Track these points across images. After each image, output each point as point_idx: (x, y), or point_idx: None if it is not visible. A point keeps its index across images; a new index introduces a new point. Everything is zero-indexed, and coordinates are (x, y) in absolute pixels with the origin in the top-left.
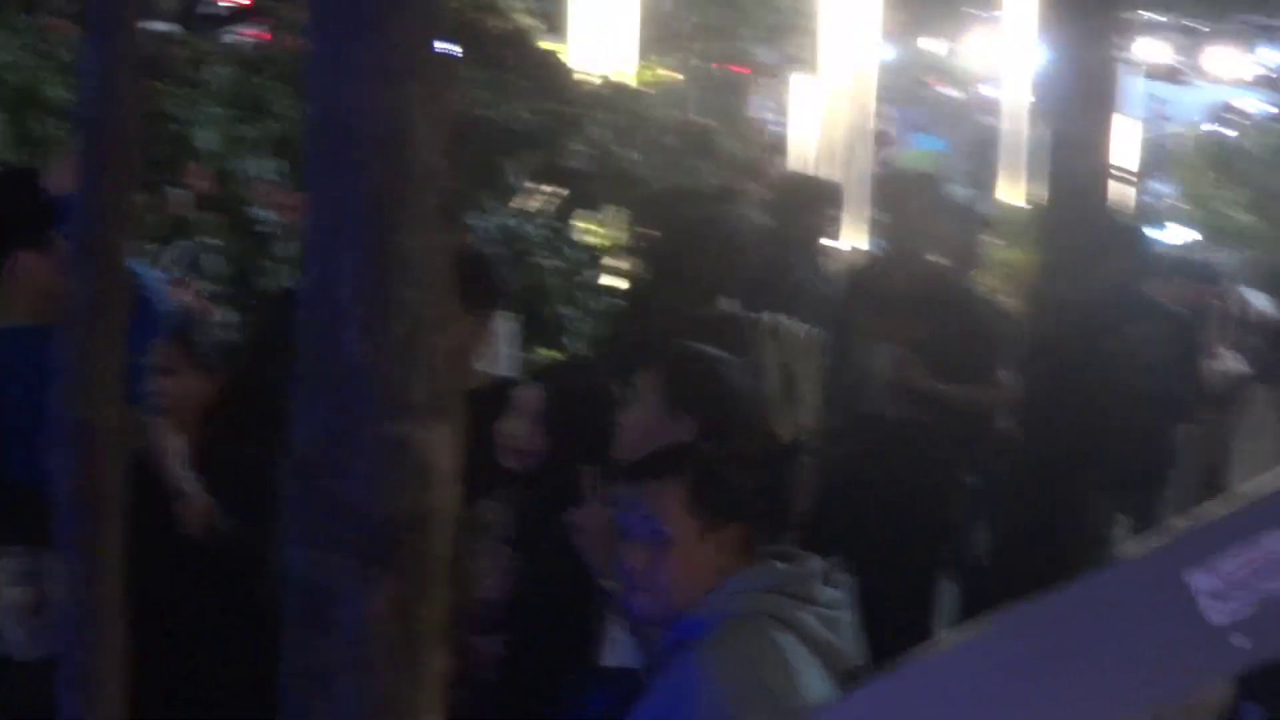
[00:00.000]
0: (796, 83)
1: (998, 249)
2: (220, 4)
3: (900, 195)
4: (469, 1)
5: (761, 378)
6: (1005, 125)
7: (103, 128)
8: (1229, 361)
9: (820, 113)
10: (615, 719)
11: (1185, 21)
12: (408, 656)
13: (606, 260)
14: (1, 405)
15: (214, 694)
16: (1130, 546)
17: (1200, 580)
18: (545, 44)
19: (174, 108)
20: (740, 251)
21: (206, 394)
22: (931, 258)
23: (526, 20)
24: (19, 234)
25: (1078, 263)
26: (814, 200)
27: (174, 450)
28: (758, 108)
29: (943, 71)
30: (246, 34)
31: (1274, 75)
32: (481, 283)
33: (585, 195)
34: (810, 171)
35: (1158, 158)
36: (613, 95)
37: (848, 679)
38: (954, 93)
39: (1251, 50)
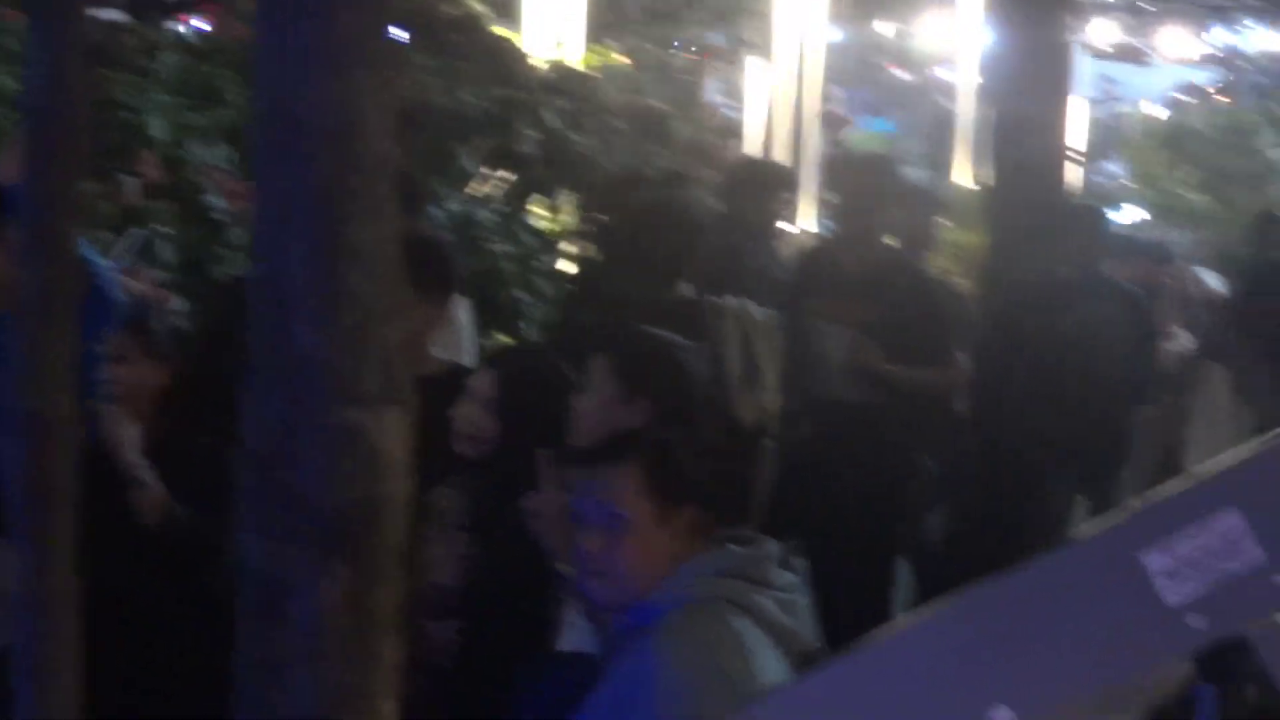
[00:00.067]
0: (750, 66)
1: (951, 231)
2: None
3: (852, 177)
4: None
5: (723, 362)
6: (960, 107)
7: (50, 116)
8: (1183, 341)
9: (770, 96)
10: (571, 705)
11: (1136, 1)
12: (362, 645)
13: (561, 245)
14: None
15: (169, 684)
16: (1085, 527)
17: (1155, 560)
18: (496, 29)
19: (125, 96)
20: (699, 236)
21: (160, 383)
22: (884, 240)
23: (477, 6)
24: None
25: (1027, 243)
26: (766, 184)
27: (128, 439)
28: (711, 92)
29: (896, 54)
30: (193, 21)
31: (1222, 55)
32: (436, 269)
33: (538, 180)
34: (761, 155)
35: (1108, 138)
36: (563, 80)
37: (804, 662)
38: (906, 75)
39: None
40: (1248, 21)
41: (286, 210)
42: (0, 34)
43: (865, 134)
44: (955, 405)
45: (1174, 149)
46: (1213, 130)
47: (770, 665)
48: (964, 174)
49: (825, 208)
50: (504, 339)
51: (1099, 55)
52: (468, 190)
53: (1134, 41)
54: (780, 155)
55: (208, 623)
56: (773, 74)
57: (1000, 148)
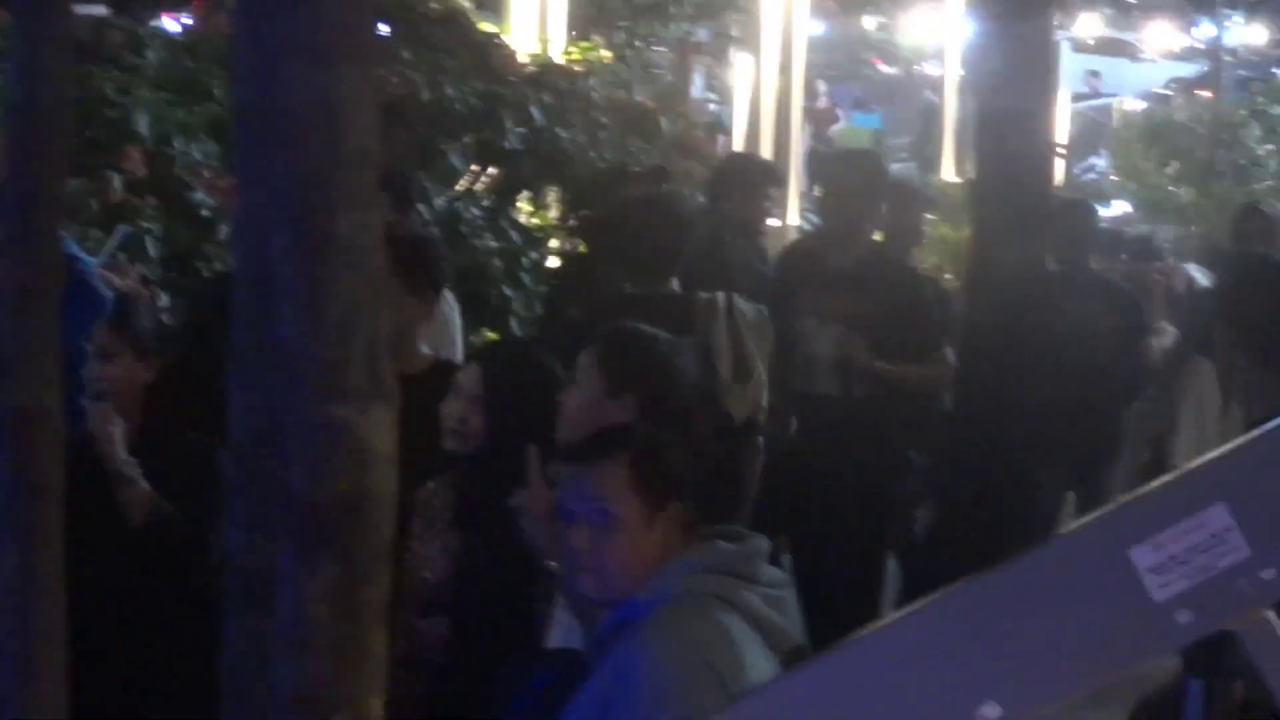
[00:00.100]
0: (736, 61)
1: (938, 226)
2: None
3: (838, 173)
4: None
5: (713, 357)
6: (946, 102)
7: (34, 112)
8: (1171, 338)
9: (756, 91)
10: (559, 701)
11: None
12: (348, 639)
13: (548, 241)
14: None
15: (154, 678)
16: (1072, 523)
17: (1143, 556)
18: (481, 25)
19: (110, 92)
20: (688, 232)
21: (146, 379)
22: (870, 235)
23: (462, 1)
24: None
25: (1012, 238)
26: (753, 180)
27: (114, 436)
28: (697, 87)
29: (882, 48)
30: (179, 16)
31: (1205, 48)
32: (423, 265)
33: (524, 176)
34: (747, 150)
35: (1093, 133)
36: (548, 76)
37: (792, 659)
38: (892, 71)
39: (1188, 24)
40: (1232, 15)
41: (269, 203)
42: None
43: (852, 129)
44: (943, 401)
45: (1159, 143)
46: (1198, 124)
47: (758, 662)
48: (950, 169)
49: (811, 203)
50: (491, 335)
51: (1084, 49)
52: (454, 186)
53: (1119, 36)
54: (766, 150)
55: (194, 619)
56: (758, 69)
57: (984, 142)
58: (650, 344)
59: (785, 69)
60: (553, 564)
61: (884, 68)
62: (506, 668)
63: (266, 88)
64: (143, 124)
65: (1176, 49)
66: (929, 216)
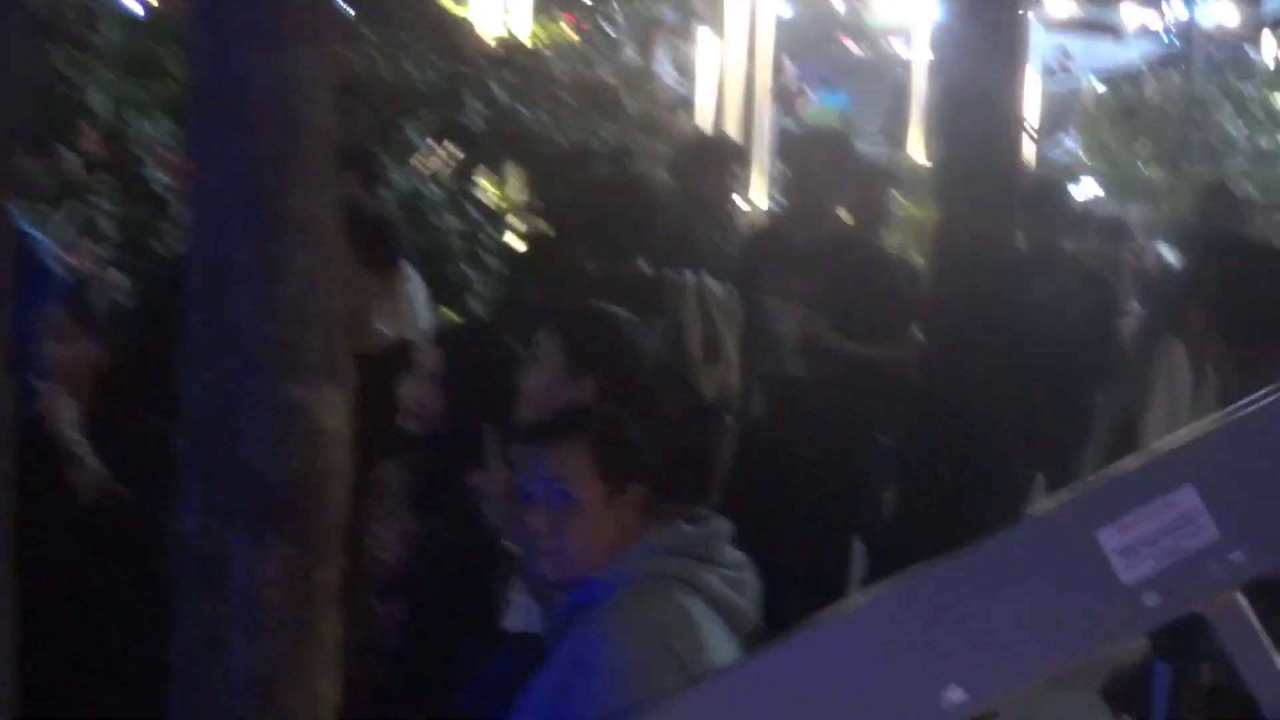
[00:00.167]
0: (701, 39)
1: (907, 206)
2: None
3: (804, 152)
4: None
5: (683, 338)
6: (915, 81)
7: None
8: (1138, 318)
9: (721, 69)
10: (517, 685)
11: None
12: (302, 621)
13: (510, 220)
14: None
15: (106, 660)
16: (1039, 504)
17: (1111, 538)
18: (443, 2)
19: (65, 68)
20: (657, 211)
21: (99, 360)
22: (836, 215)
23: None
24: None
25: (980, 218)
26: (718, 159)
27: (66, 417)
28: (661, 65)
29: (851, 27)
30: None
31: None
32: (381, 243)
33: (485, 155)
34: (712, 129)
35: (1062, 111)
36: (511, 54)
37: (753, 641)
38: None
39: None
40: None
41: (225, 181)
42: None
43: (820, 109)
44: (910, 381)
45: (1129, 122)
46: (1168, 103)
47: (719, 644)
48: (919, 148)
49: (777, 182)
50: (451, 315)
51: (1056, 27)
52: (414, 164)
53: (1090, 13)
54: (732, 129)
55: (147, 600)
56: (724, 47)
57: (951, 120)
58: (612, 324)
59: (751, 47)
60: (512, 546)
61: (852, 46)
62: (465, 651)
63: (223, 69)
64: (98, 101)
65: (1148, 27)
66: (898, 196)
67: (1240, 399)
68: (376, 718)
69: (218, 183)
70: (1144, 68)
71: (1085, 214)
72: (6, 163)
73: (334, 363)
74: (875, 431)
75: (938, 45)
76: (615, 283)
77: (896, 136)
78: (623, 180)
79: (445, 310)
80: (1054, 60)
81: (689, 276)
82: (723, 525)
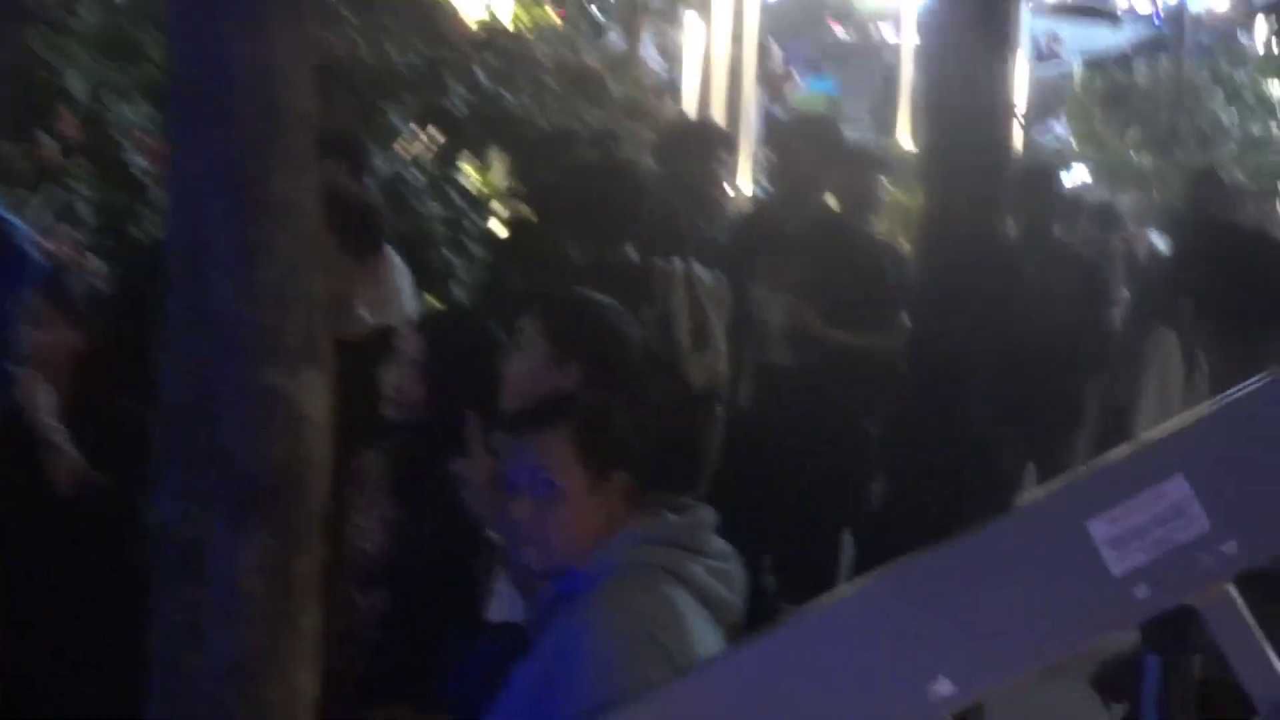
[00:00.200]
0: (687, 23)
1: (895, 192)
2: None
3: (790, 138)
4: None
5: (672, 325)
6: (903, 65)
7: None
8: (1125, 305)
9: (706, 53)
10: (500, 676)
11: None
12: (281, 611)
13: (495, 205)
14: None
15: (84, 649)
16: (1029, 494)
17: (1101, 529)
18: None
19: (43, 52)
20: (645, 197)
21: (77, 346)
22: (823, 202)
23: None
24: None
25: (968, 205)
26: (704, 144)
27: (43, 403)
28: (646, 49)
29: (838, 10)
30: None
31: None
32: (363, 228)
33: (468, 140)
34: (698, 114)
35: (1051, 96)
36: (494, 37)
37: (737, 633)
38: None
39: None
40: None
41: (204, 166)
42: None
43: (807, 94)
44: (897, 370)
45: (1119, 108)
46: (1159, 89)
47: (704, 635)
48: (908, 134)
49: (763, 169)
50: (434, 302)
51: (1044, 12)
52: (396, 149)
53: None
54: (717, 115)
55: (126, 589)
56: (710, 31)
57: (938, 106)
58: (596, 310)
59: (738, 32)
60: (494, 535)
61: (839, 30)
62: (447, 642)
63: (202, 53)
64: (76, 85)
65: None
66: (885, 182)
67: (1232, 387)
68: (357, 709)
69: (197, 167)
70: (1134, 53)
71: (1076, 200)
72: None
73: (315, 348)
74: (864, 421)
75: (925, 29)
76: (602, 270)
77: (885, 122)
78: (609, 165)
79: (428, 297)
80: (1043, 44)
81: (677, 264)
82: (708, 515)
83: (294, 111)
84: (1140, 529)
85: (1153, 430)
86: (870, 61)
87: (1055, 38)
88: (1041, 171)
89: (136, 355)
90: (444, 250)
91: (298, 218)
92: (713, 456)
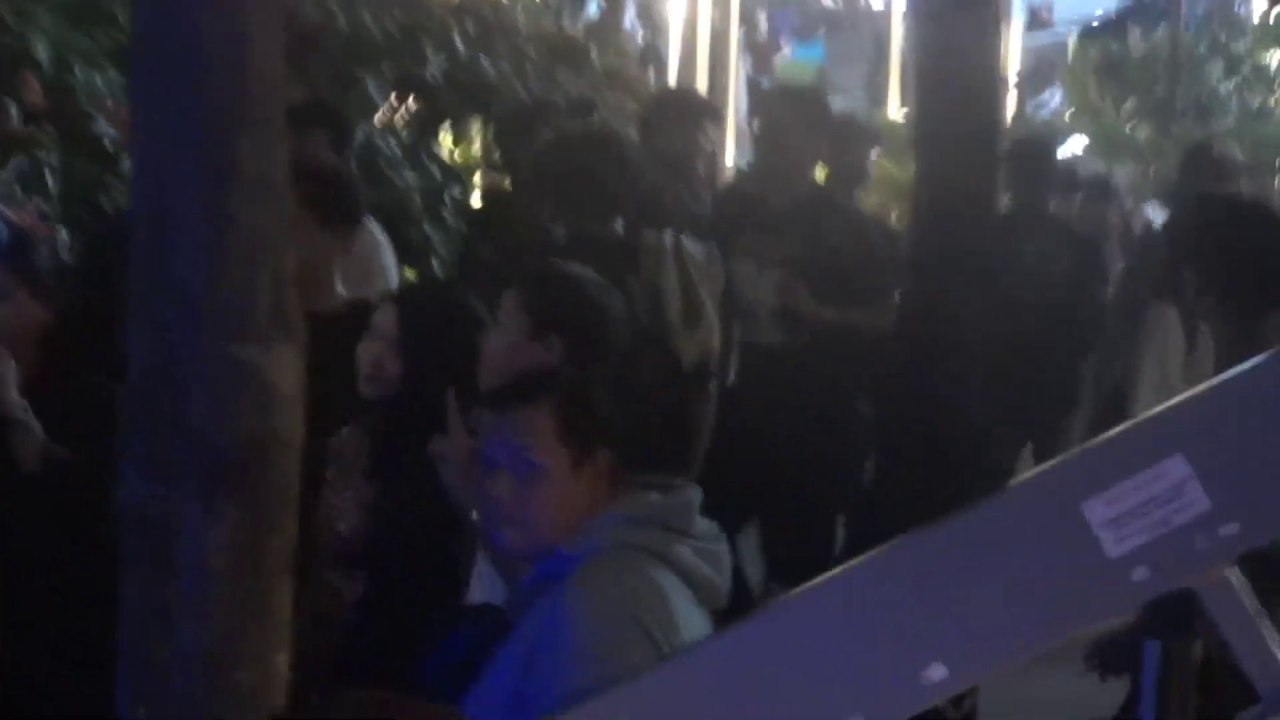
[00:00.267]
0: None
1: (886, 164)
2: None
3: (776, 109)
4: None
5: (662, 300)
6: (897, 34)
7: None
8: (1119, 282)
9: (690, 21)
10: (480, 660)
11: None
12: (253, 592)
13: (474, 177)
14: None
15: (49, 632)
16: (1023, 476)
17: (1097, 510)
18: None
19: (7, 16)
20: (633, 171)
21: (42, 319)
22: (810, 175)
23: None
24: None
25: (960, 178)
26: (688, 115)
27: (6, 378)
28: (628, 16)
29: None
30: None
31: None
32: (339, 199)
33: (446, 109)
34: (679, 83)
35: (1045, 66)
36: (471, 3)
37: (724, 616)
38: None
39: None
40: None
41: (170, 133)
42: None
43: (794, 63)
44: (889, 348)
45: (1115, 79)
46: (1156, 60)
47: (691, 619)
48: (897, 104)
49: (748, 140)
50: (411, 275)
51: None
52: (372, 118)
53: None
54: (701, 84)
55: (92, 570)
56: None
57: (928, 76)
58: (577, 283)
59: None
60: (474, 515)
61: None
62: (425, 625)
63: (167, 12)
64: (41, 51)
65: None
66: (875, 155)
67: (1236, 363)
68: (333, 693)
69: (162, 133)
70: (1129, 22)
71: (1071, 174)
72: None
73: (285, 321)
74: (855, 401)
75: None
76: (587, 243)
77: (875, 92)
78: (596, 137)
79: (407, 271)
80: (1036, 13)
81: (667, 237)
82: (695, 495)
83: (263, 76)
84: (1138, 510)
85: (1152, 409)
86: (860, 29)
87: (1048, 6)
88: (1036, 145)
89: (103, 328)
90: (421, 223)
91: (267, 186)
92: (705, 436)
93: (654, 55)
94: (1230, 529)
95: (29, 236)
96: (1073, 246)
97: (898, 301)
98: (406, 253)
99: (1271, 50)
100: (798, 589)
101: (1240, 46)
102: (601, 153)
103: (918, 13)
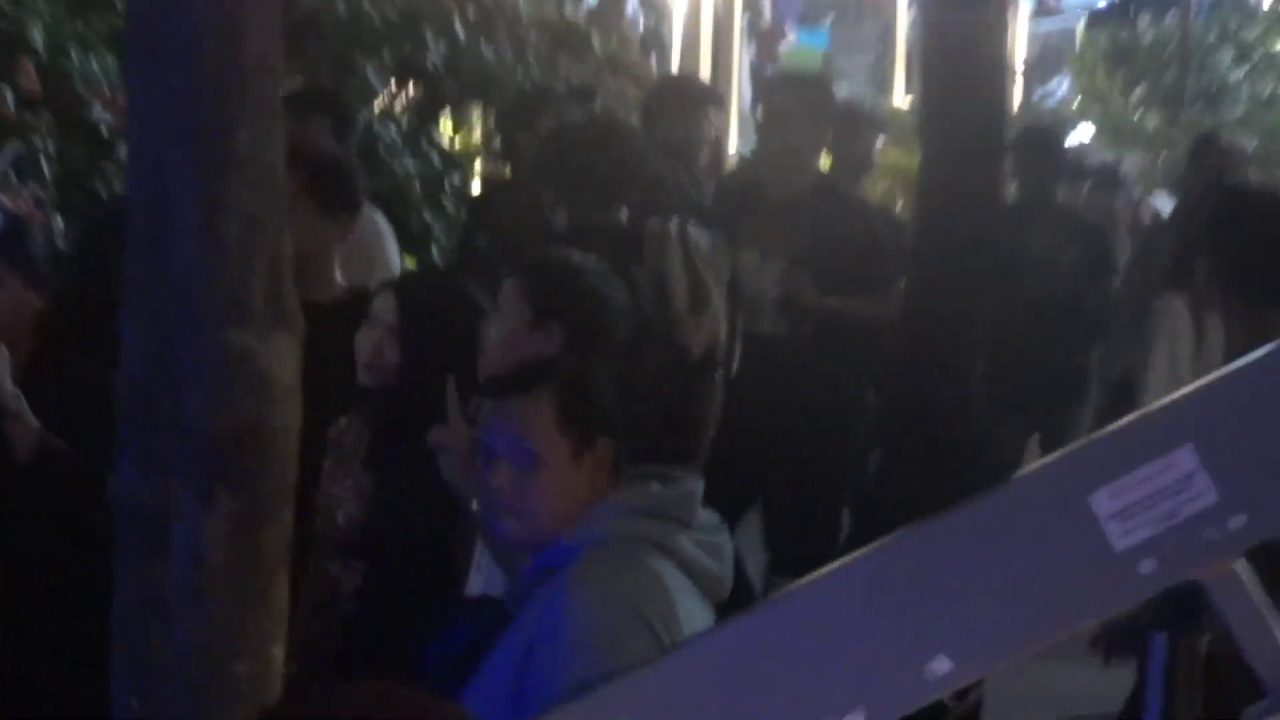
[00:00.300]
0: None
1: (891, 152)
2: None
3: (779, 96)
4: None
5: (667, 289)
6: (903, 20)
7: None
8: (1140, 272)
9: (693, 6)
10: (479, 653)
11: None
12: (249, 583)
13: (474, 164)
14: None
15: (43, 625)
16: (1029, 467)
17: (1103, 502)
18: None
19: (4, 3)
20: (637, 158)
21: (36, 307)
22: (814, 164)
23: None
24: None
25: (965, 166)
26: (693, 103)
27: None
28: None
29: None
30: None
31: None
32: (338, 185)
33: (446, 95)
34: (681, 69)
35: (1053, 54)
36: None
37: (726, 608)
38: None
39: None
40: None
41: (164, 117)
42: None
43: (800, 49)
44: (894, 338)
45: (1124, 66)
46: (1165, 47)
47: (693, 611)
48: (903, 92)
49: (751, 128)
50: (411, 263)
51: None
52: (371, 105)
53: None
54: (704, 70)
55: (87, 562)
56: None
57: (933, 63)
58: (578, 272)
59: None
60: (473, 505)
61: None
62: (423, 617)
63: None
64: (37, 35)
65: None
66: (881, 144)
67: (1246, 356)
68: (331, 685)
69: (157, 117)
70: (1138, 8)
71: (1079, 163)
72: None
73: (282, 308)
74: (859, 392)
75: None
76: (592, 232)
77: (881, 79)
78: (599, 124)
79: (407, 259)
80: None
81: (672, 224)
82: (695, 485)
83: (260, 61)
84: (1146, 502)
85: (1160, 400)
86: (865, 15)
87: None
88: (1044, 133)
89: (98, 317)
90: (421, 210)
91: (264, 172)
92: (711, 427)
93: (656, 42)
94: (1239, 521)
95: (24, 223)
96: (1080, 236)
97: (903, 292)
98: (406, 241)
99: None
100: (800, 581)
101: (1251, 34)
102: (607, 142)
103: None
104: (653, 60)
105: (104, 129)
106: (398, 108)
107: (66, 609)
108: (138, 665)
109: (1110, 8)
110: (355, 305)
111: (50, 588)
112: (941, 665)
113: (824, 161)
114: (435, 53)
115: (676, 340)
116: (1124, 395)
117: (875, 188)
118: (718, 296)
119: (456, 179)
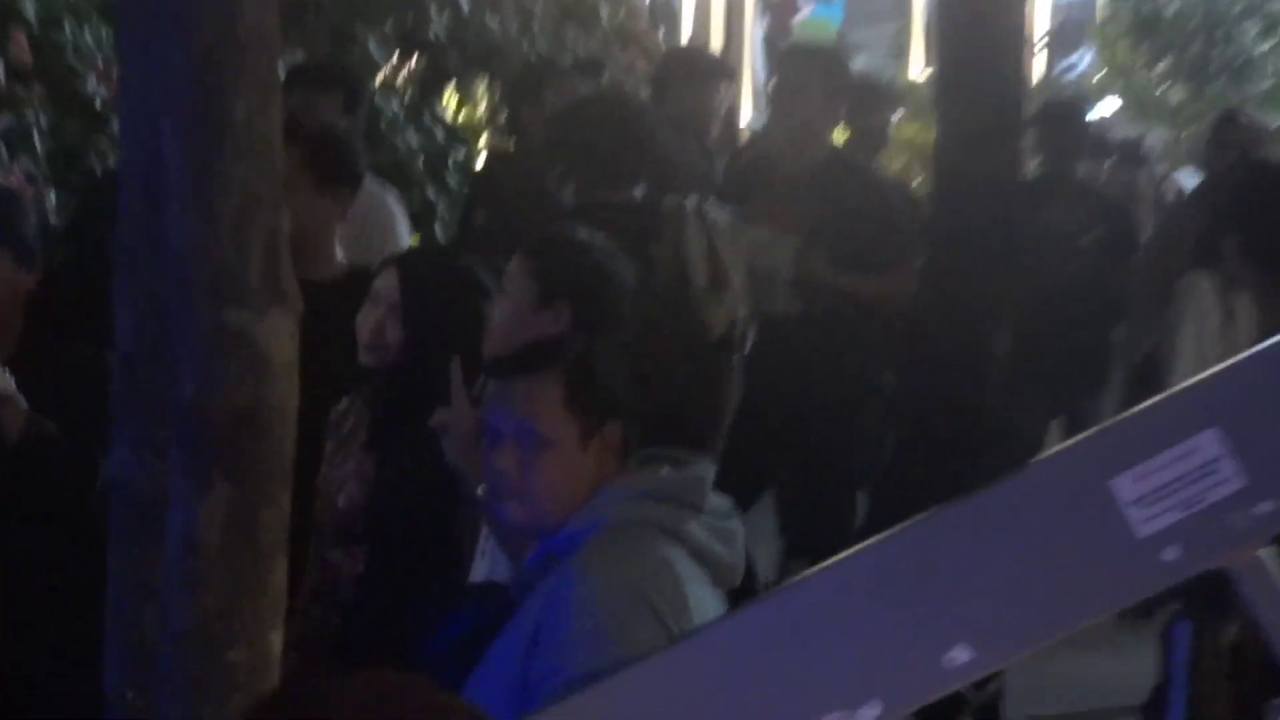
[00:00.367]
0: None
1: (907, 127)
2: None
3: (791, 70)
4: None
5: (686, 268)
6: None
7: None
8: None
9: None
10: (483, 640)
11: None
12: (245, 568)
13: (478, 139)
14: None
15: (33, 612)
16: (1050, 452)
17: (1125, 487)
18: None
19: None
20: (652, 134)
21: (28, 285)
22: (828, 139)
23: None
24: None
25: (982, 141)
26: (701, 75)
27: None
28: None
29: None
30: None
31: None
32: (338, 160)
33: (450, 68)
34: (692, 41)
35: (1074, 26)
36: None
37: (738, 596)
38: None
39: None
40: None
41: (157, 88)
42: None
43: (814, 21)
44: (911, 318)
45: (1148, 39)
46: (1189, 19)
47: (703, 599)
48: (920, 65)
49: (764, 102)
50: (414, 240)
51: None
52: (373, 78)
53: None
54: (715, 42)
55: (79, 547)
56: None
57: (950, 36)
58: (586, 249)
59: None
60: (477, 489)
61: None
62: (425, 603)
63: None
64: (28, 6)
65: None
66: (896, 117)
67: (1275, 335)
68: (330, 673)
69: (150, 89)
70: None
71: (1101, 138)
72: None
73: (279, 286)
74: (875, 373)
75: None
76: (603, 208)
77: (897, 52)
78: (612, 98)
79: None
80: None
81: (689, 201)
82: (706, 469)
83: (256, 32)
84: (1169, 487)
85: (1185, 382)
86: None
87: None
88: (1066, 107)
89: (91, 295)
90: (424, 186)
91: (260, 146)
92: (729, 411)
93: (666, 13)
94: (1265, 507)
95: (15, 199)
96: (1102, 213)
97: (919, 270)
98: (409, 217)
99: None
100: (815, 568)
101: (1277, 6)
102: (615, 116)
103: None
104: (662, 32)
105: (97, 102)
106: (400, 81)
107: (57, 598)
108: (132, 653)
109: None
110: (356, 283)
111: (41, 575)
112: (961, 655)
113: (839, 136)
114: (439, 24)
115: (695, 320)
116: (1148, 376)
117: (892, 163)
118: (737, 275)
119: (461, 154)
